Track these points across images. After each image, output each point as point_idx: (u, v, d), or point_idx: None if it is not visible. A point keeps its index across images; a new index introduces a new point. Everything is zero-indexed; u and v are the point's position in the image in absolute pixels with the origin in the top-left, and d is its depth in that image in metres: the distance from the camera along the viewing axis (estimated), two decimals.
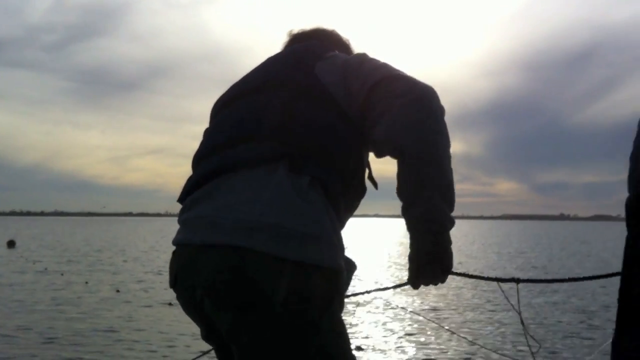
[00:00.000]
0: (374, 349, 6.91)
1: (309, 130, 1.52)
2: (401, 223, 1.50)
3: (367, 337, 7.59)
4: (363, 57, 1.65)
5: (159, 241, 34.62)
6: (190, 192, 1.58)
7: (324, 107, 1.56)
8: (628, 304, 1.07)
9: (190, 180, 1.62)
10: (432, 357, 6.60)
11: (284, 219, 1.38)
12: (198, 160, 1.64)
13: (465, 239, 42.34)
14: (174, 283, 1.52)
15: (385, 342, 7.38)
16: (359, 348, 6.83)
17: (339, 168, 1.52)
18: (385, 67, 1.58)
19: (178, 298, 1.54)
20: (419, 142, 1.45)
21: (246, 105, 1.62)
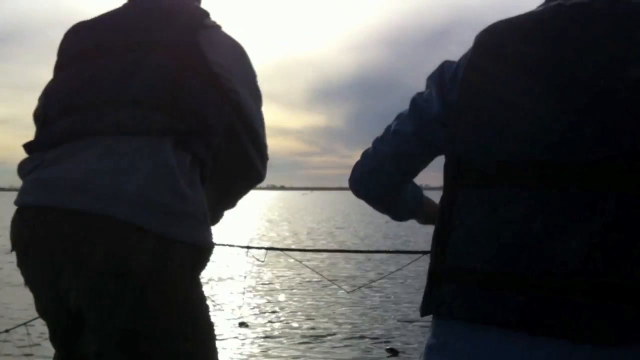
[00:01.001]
0: (261, 325, 6.95)
1: (197, 107, 1.50)
2: None
3: (253, 314, 7.65)
4: (252, 73, 1.69)
5: (4, 217, 32.24)
6: (41, 148, 1.50)
7: (209, 84, 1.54)
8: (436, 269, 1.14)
9: (43, 136, 1.53)
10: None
11: (164, 196, 1.39)
12: (50, 115, 1.53)
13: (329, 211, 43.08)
14: (24, 248, 1.46)
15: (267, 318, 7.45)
16: (243, 324, 6.79)
17: (214, 149, 1.56)
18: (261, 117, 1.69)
19: (24, 265, 1.48)
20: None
21: (113, 64, 1.51)
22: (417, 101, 1.28)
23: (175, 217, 1.40)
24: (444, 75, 1.24)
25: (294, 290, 9.11)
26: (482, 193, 1.08)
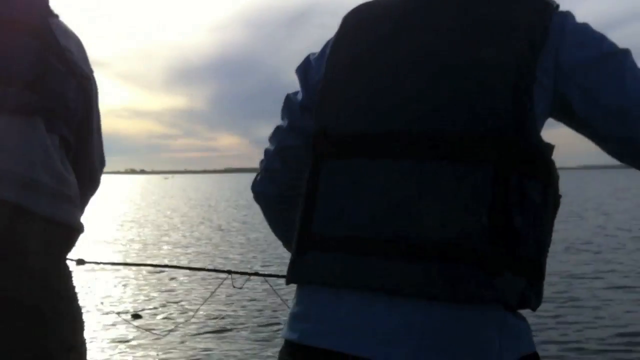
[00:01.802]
0: (152, 315, 6.94)
1: (61, 89, 1.52)
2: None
3: (147, 301, 7.60)
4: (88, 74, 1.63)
5: None
6: None
7: (68, 69, 1.55)
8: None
9: None
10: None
11: (45, 177, 1.42)
12: None
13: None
14: None
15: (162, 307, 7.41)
16: (136, 316, 6.74)
17: (75, 133, 1.59)
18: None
19: None
20: None
21: None
22: (289, 95, 1.33)
23: (57, 199, 1.43)
24: (309, 63, 1.29)
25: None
26: (343, 164, 1.12)
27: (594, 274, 9.06)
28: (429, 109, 1.06)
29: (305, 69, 1.30)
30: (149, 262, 10.36)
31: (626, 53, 1.10)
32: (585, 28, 1.12)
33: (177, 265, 8.51)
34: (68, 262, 1.57)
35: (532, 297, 1.06)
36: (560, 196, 1.15)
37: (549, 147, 1.07)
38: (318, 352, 1.08)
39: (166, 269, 8.77)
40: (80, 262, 3.25)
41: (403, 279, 1.02)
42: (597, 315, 6.55)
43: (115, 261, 9.62)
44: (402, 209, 1.04)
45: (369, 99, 1.12)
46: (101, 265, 4.53)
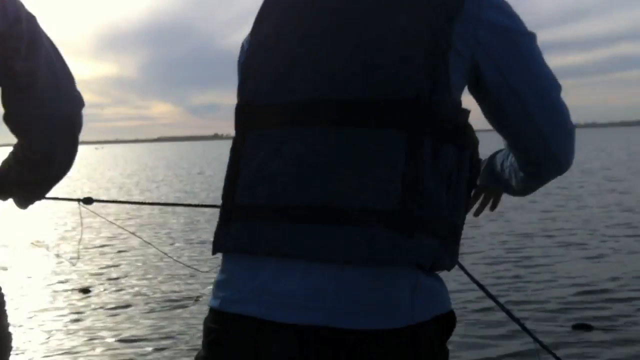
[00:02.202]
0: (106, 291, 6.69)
1: None
2: None
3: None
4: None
5: None
6: None
7: None
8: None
9: None
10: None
11: None
12: None
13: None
14: None
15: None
16: (85, 290, 6.54)
17: None
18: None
19: None
20: None
21: None
22: None
23: None
24: (242, 48, 1.31)
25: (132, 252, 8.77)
26: (264, 134, 1.15)
27: (543, 232, 9.18)
28: (345, 78, 1.08)
29: (240, 55, 1.31)
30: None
31: (534, 37, 1.17)
32: (503, 2, 1.16)
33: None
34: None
35: (446, 257, 1.11)
36: (479, 160, 1.20)
37: (465, 113, 1.12)
38: (238, 319, 1.09)
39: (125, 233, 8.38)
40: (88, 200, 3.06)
41: (320, 245, 1.04)
42: (553, 273, 6.61)
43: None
44: (319, 175, 1.06)
45: (288, 70, 1.14)
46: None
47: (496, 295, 5.89)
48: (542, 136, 1.18)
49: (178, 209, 12.88)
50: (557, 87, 1.18)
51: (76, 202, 3.06)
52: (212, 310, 1.16)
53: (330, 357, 1.04)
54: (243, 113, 1.20)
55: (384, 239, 1.03)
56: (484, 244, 8.26)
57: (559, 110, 1.18)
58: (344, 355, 1.04)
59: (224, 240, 1.17)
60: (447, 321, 1.13)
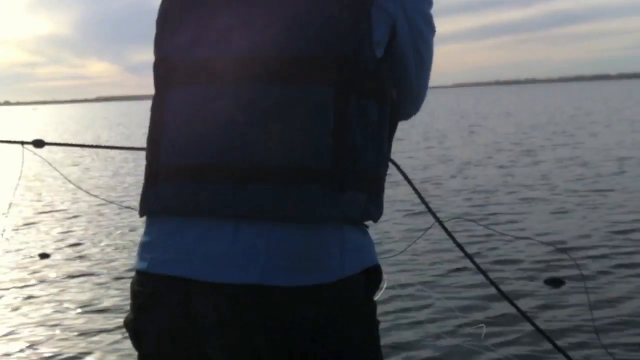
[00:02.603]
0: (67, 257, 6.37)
1: None
2: None
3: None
4: None
5: None
6: None
7: None
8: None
9: None
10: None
11: None
12: None
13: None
14: None
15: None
16: (44, 255, 6.29)
17: None
18: None
19: None
20: None
21: None
22: None
23: None
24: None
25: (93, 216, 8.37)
26: (188, 92, 1.12)
27: (504, 187, 9.21)
28: (271, 35, 1.07)
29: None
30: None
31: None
32: None
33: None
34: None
35: (373, 210, 1.15)
36: (399, 115, 1.24)
37: (386, 69, 1.14)
38: (167, 280, 1.09)
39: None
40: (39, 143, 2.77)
41: (251, 203, 1.04)
42: (522, 230, 6.59)
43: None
44: (247, 133, 1.05)
45: (209, 24, 1.12)
46: None
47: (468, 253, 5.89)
48: (420, 95, 1.30)
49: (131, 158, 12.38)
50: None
51: (21, 146, 2.80)
52: (140, 273, 1.14)
53: (263, 315, 1.04)
54: (163, 68, 1.17)
55: (317, 196, 1.04)
56: (450, 202, 8.22)
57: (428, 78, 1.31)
58: (277, 313, 1.04)
59: (152, 202, 1.14)
60: (374, 274, 1.16)
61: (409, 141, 17.38)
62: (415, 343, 3.76)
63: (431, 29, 1.25)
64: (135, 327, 1.16)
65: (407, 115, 1.35)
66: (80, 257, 6.19)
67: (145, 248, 1.15)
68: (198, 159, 1.08)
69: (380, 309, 1.19)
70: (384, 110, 1.13)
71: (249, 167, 1.05)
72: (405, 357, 3.58)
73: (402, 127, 1.66)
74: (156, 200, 1.13)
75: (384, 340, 1.22)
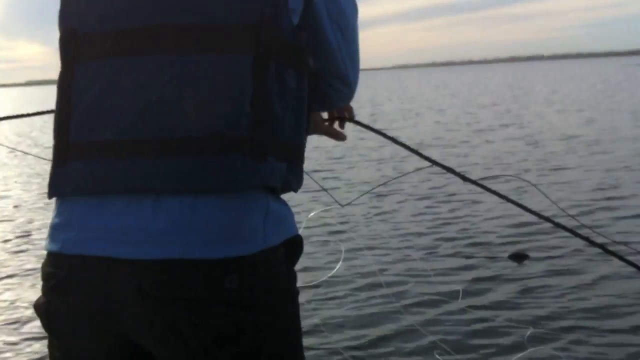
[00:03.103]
0: None
1: None
2: None
3: None
4: None
5: None
6: None
7: None
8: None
9: None
10: None
11: None
12: None
13: None
14: None
15: None
16: None
17: None
18: None
19: None
20: None
21: None
22: None
23: None
24: None
25: None
26: (99, 65, 1.08)
27: (456, 167, 9.18)
28: (184, 2, 1.05)
29: None
30: None
31: None
32: None
33: None
34: None
35: (294, 180, 1.16)
36: (318, 85, 1.23)
37: (303, 37, 1.12)
38: (84, 261, 1.06)
39: None
40: None
41: (170, 176, 1.02)
42: (473, 211, 6.62)
43: None
44: (164, 105, 1.03)
45: None
46: None
47: (435, 230, 5.82)
48: (349, 76, 1.29)
49: None
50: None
51: None
52: (52, 254, 1.11)
53: (186, 290, 1.02)
54: (69, 42, 1.11)
55: (239, 166, 1.03)
56: (410, 182, 8.19)
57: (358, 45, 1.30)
58: (200, 287, 1.02)
59: (62, 182, 1.10)
60: (295, 244, 1.17)
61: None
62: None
63: (350, 3, 1.25)
64: (49, 310, 1.12)
65: (341, 99, 1.34)
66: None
67: (57, 229, 1.11)
68: (111, 134, 1.05)
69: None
70: (302, 80, 1.13)
71: (166, 139, 1.02)
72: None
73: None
74: (67, 180, 1.09)
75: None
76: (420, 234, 5.73)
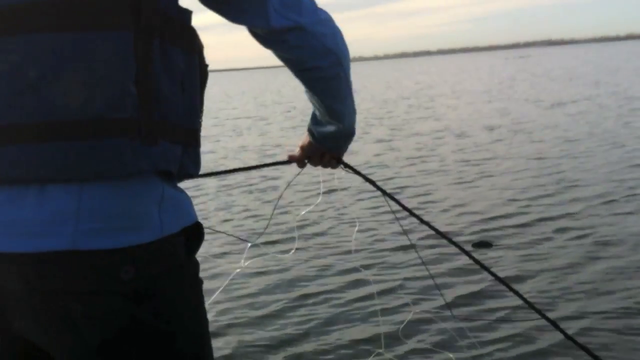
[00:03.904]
0: None
1: None
2: None
3: None
4: None
5: None
6: None
7: None
8: None
9: None
10: None
11: None
12: None
13: None
14: None
15: None
16: None
17: None
18: None
19: None
20: None
21: None
22: None
23: None
24: None
25: None
26: None
27: (409, 164, 9.26)
28: None
29: None
30: None
31: None
32: None
33: None
34: None
35: (190, 164, 1.11)
36: (207, 65, 1.17)
37: (187, 13, 1.09)
38: None
39: None
40: None
41: (54, 164, 0.96)
42: (428, 201, 6.69)
43: None
44: (42, 87, 0.96)
45: None
46: None
47: (393, 222, 5.75)
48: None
49: None
50: None
51: None
52: None
53: (77, 282, 0.98)
54: None
55: (127, 150, 0.98)
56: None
57: None
58: (93, 279, 0.98)
59: None
60: (195, 232, 1.13)
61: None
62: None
63: None
64: None
65: (304, 49, 1.22)
66: None
67: None
68: None
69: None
70: (191, 59, 1.09)
71: (48, 125, 0.96)
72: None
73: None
74: None
75: None
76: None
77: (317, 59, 1.23)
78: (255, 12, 1.16)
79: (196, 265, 1.14)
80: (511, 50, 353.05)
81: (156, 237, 1.02)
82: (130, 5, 0.99)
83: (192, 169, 1.12)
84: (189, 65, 1.08)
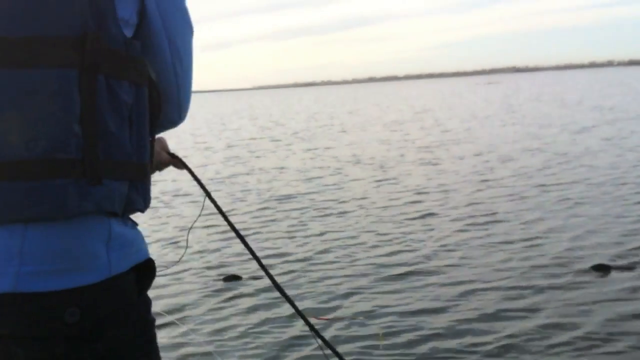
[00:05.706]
0: None
1: None
2: None
3: None
4: None
5: None
6: None
7: None
8: None
9: None
10: None
11: None
12: None
13: None
14: None
15: None
16: None
17: None
18: None
19: None
20: None
21: None
22: None
23: None
24: None
25: None
26: None
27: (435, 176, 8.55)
28: (7, 15, 0.98)
29: None
30: None
31: None
32: None
33: None
34: None
35: (139, 199, 1.11)
36: (160, 96, 1.17)
37: (136, 48, 1.08)
38: None
39: None
40: None
41: None
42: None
43: None
44: None
45: None
46: None
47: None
48: (182, 99, 1.24)
49: None
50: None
51: None
52: None
53: (20, 325, 0.97)
54: None
55: (71, 191, 0.98)
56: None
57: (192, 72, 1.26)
58: (36, 322, 0.97)
59: None
60: (146, 269, 1.13)
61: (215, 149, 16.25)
62: None
63: (186, 22, 1.21)
64: None
65: (171, 122, 1.27)
66: None
67: None
68: None
69: None
70: (140, 92, 1.08)
71: None
72: None
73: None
74: None
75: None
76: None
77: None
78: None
79: (147, 303, 1.14)
80: (478, 76, 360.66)
81: (104, 277, 1.01)
82: (74, 41, 0.98)
83: (139, 204, 1.11)
84: (137, 98, 1.07)
